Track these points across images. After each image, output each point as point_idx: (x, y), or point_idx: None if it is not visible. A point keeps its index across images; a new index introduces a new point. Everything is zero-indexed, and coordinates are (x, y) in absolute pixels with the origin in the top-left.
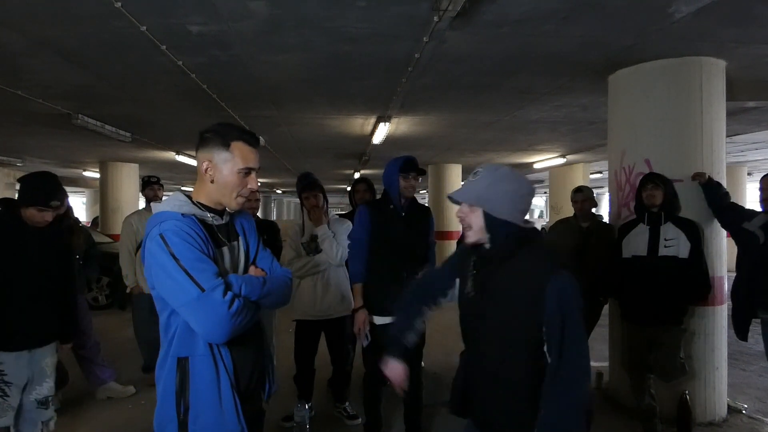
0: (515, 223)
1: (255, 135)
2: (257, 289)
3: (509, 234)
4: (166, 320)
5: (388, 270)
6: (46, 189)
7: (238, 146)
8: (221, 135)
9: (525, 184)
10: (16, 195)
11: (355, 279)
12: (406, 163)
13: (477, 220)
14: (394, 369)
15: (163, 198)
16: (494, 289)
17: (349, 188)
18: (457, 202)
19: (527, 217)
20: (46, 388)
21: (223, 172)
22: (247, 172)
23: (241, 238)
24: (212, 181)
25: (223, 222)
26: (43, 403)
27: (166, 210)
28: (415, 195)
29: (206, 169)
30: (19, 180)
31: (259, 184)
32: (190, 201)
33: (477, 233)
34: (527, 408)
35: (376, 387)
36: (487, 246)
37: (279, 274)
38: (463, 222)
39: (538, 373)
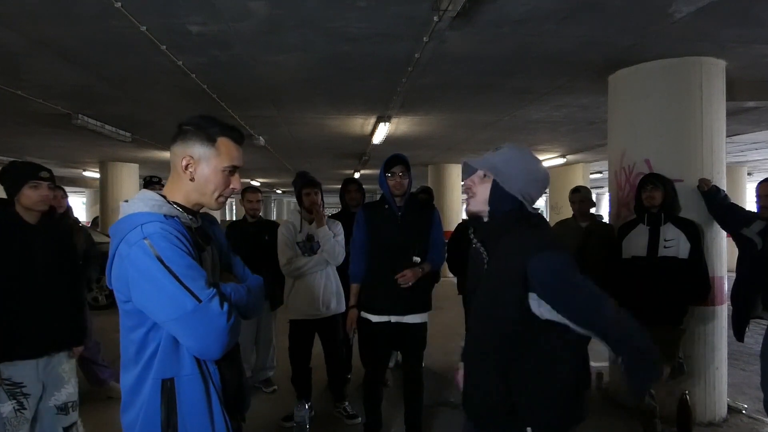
0: (520, 201)
1: (240, 131)
2: (244, 299)
3: (510, 211)
4: (143, 337)
5: (383, 270)
6: (28, 165)
7: (223, 142)
8: (204, 129)
9: (542, 169)
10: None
11: (353, 279)
12: (388, 161)
13: (484, 190)
14: None
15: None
16: (486, 265)
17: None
18: (471, 172)
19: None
20: (64, 394)
21: (205, 169)
22: (232, 170)
23: (213, 242)
24: (192, 179)
25: (199, 224)
26: (62, 409)
27: (144, 211)
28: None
29: (186, 166)
30: (0, 173)
31: (258, 183)
32: (165, 201)
33: (479, 204)
34: (497, 388)
35: (376, 386)
36: (485, 219)
37: (255, 282)
38: (468, 191)
39: (509, 352)
